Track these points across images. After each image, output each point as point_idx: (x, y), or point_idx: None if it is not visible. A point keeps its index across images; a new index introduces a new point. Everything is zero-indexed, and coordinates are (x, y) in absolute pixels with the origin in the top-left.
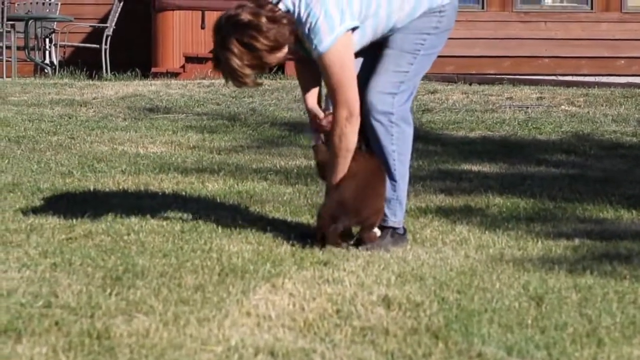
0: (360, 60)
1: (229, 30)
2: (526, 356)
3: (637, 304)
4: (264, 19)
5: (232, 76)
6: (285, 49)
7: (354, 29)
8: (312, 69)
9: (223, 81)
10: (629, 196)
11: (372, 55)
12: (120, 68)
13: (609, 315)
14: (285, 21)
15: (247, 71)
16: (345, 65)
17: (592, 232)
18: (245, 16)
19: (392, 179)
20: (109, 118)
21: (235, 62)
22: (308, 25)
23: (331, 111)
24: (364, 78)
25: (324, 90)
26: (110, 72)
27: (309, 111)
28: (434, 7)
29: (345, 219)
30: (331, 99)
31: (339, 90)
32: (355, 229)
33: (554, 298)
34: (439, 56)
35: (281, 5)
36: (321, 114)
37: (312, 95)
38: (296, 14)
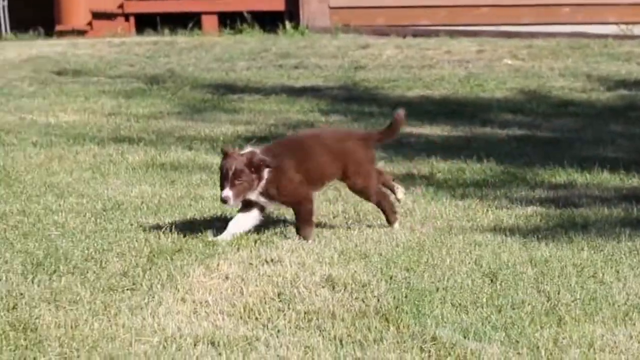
0: None
1: None
2: (483, 338)
3: (597, 277)
4: None
5: None
6: None
7: None
8: None
9: (135, 39)
10: (582, 158)
11: None
12: (22, 26)
13: (568, 291)
14: None
15: None
16: None
17: (545, 200)
18: None
19: None
20: (13, 84)
21: None
22: None
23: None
24: None
25: None
26: (10, 30)
27: None
28: None
29: None
30: None
31: None
32: None
33: (509, 274)
34: (367, 7)
35: None
36: None
37: None
38: None
